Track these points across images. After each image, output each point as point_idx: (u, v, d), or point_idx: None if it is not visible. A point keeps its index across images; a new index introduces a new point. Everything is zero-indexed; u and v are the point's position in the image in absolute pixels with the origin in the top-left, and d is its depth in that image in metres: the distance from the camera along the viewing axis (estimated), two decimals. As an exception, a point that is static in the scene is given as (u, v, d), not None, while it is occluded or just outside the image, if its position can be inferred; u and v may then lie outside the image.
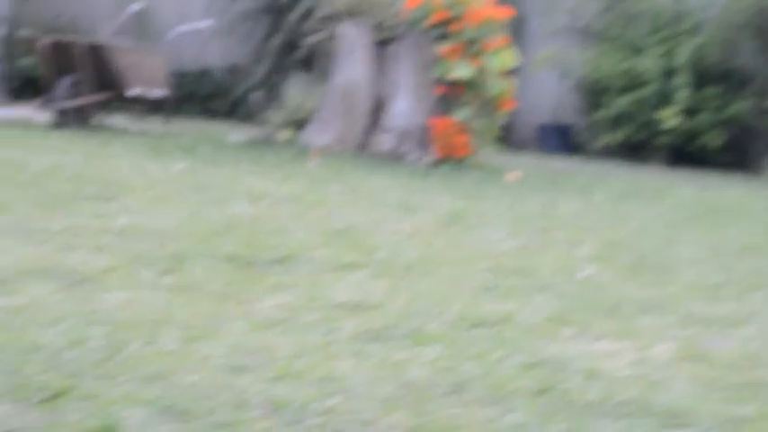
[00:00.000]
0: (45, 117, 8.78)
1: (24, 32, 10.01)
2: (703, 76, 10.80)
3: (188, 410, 2.49)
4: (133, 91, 8.78)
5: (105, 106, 9.26)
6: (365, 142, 8.38)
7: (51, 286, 3.44)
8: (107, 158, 6.76)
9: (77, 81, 8.64)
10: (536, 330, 3.43)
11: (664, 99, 10.69)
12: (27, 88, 10.40)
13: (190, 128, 9.65)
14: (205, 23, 10.15)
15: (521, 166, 8.87)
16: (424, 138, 8.25)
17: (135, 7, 9.35)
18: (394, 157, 8.23)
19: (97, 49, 8.62)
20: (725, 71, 10.87)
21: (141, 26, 11.80)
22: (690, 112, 10.66)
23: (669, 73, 10.72)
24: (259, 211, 5.27)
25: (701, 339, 3.48)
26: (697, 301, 4.01)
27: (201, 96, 11.78)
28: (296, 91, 8.79)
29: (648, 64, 10.65)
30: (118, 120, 9.35)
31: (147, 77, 8.89)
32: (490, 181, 7.56)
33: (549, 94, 11.34)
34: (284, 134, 8.48)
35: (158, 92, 8.98)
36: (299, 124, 8.61)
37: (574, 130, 11.31)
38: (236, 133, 9.05)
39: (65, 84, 8.59)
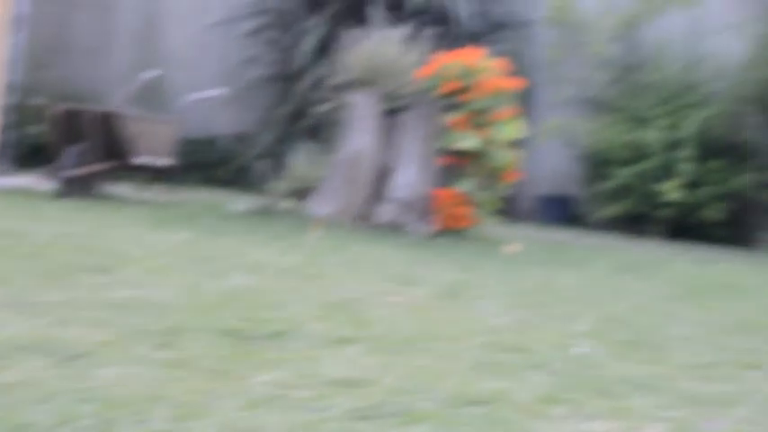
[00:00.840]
0: (49, 186, 8.82)
1: (36, 100, 10.09)
2: (708, 149, 10.83)
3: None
4: (139, 159, 8.82)
5: (111, 175, 9.30)
6: (368, 212, 8.40)
7: (45, 362, 3.45)
8: (109, 228, 6.79)
9: (85, 149, 8.69)
10: (529, 409, 3.42)
11: (667, 172, 10.71)
12: (34, 156, 10.46)
13: (194, 196, 9.68)
14: (218, 91, 10.23)
15: (521, 238, 8.89)
16: (426, 208, 8.27)
17: (147, 75, 9.44)
18: (395, 228, 8.24)
19: (108, 118, 8.68)
20: (729, 144, 10.91)
21: (153, 94, 11.90)
22: (692, 185, 10.68)
23: (674, 145, 10.75)
24: (258, 283, 5.29)
25: (694, 420, 3.47)
26: (691, 381, 4.00)
27: (207, 164, 11.82)
28: (301, 160, 8.83)
29: (653, 136, 10.69)
30: (122, 188, 9.38)
31: (155, 146, 8.93)
32: (490, 253, 7.57)
33: (551, 164, 11.38)
34: (288, 204, 8.51)
35: (164, 160, 9.02)
36: (304, 194, 8.64)
37: (575, 202, 11.33)
38: (239, 203, 9.07)
39: (72, 152, 8.64)
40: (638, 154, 10.81)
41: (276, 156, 9.81)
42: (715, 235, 10.73)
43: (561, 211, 11.08)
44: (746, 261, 9.15)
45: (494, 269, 6.71)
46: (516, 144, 8.57)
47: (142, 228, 6.99)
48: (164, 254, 5.91)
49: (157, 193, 9.18)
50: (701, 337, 4.98)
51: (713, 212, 10.63)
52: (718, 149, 10.88)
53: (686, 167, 10.60)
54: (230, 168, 11.66)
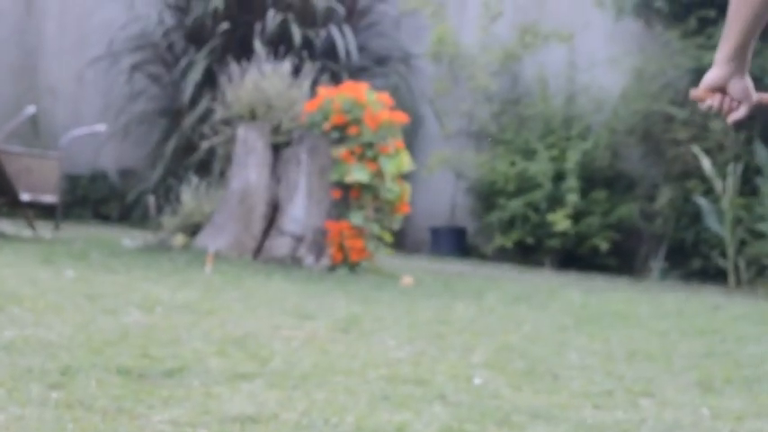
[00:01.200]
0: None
1: None
2: (592, 180, 11.02)
3: None
4: (24, 196, 8.67)
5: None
6: (262, 246, 8.37)
7: (-63, 405, 3.36)
8: (-3, 267, 6.65)
9: (-33, 187, 8.52)
10: (430, 441, 3.44)
11: (554, 202, 10.87)
12: None
13: (82, 233, 9.54)
14: (100, 127, 10.11)
15: (415, 270, 8.93)
16: (320, 241, 8.27)
17: (29, 110, 9.29)
18: (290, 262, 8.22)
19: (-12, 154, 8.52)
20: (612, 175, 11.11)
21: (35, 129, 11.72)
22: (579, 215, 10.85)
23: (559, 176, 10.91)
24: (153, 319, 5.22)
25: (593, 447, 3.51)
26: (587, 409, 4.06)
27: (95, 200, 11.68)
28: (191, 195, 8.76)
29: (539, 167, 10.84)
30: (7, 226, 9.21)
31: (38, 182, 8.79)
32: (386, 285, 7.59)
33: (442, 197, 11.47)
34: (179, 239, 8.43)
35: (49, 197, 8.88)
36: (195, 229, 8.57)
37: (468, 233, 11.44)
38: (129, 238, 8.96)
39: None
40: (525, 185, 10.95)
41: (165, 191, 9.71)
42: (603, 264, 10.91)
43: (454, 243, 11.17)
44: (635, 289, 9.31)
45: (390, 301, 6.72)
46: (405, 177, 8.63)
47: (30, 265, 6.86)
48: (54, 291, 5.80)
49: (44, 230, 9.03)
50: (595, 366, 5.04)
51: (601, 242, 10.81)
52: (602, 180, 11.08)
53: (572, 198, 10.77)
54: (119, 204, 11.53)
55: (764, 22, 2.87)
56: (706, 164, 10.31)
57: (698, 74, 10.74)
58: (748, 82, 2.85)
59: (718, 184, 10.27)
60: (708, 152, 10.47)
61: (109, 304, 5.54)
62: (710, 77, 2.96)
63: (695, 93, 2.95)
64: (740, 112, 2.91)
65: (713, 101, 3.00)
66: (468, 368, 4.73)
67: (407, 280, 7.95)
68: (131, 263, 7.44)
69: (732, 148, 10.57)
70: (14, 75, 12.02)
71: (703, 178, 10.52)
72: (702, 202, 10.45)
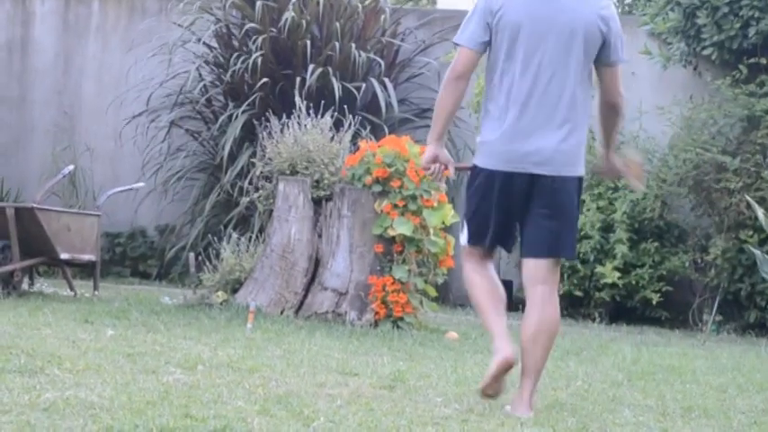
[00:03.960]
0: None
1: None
2: (641, 231, 10.84)
3: None
4: (63, 255, 8.60)
5: (35, 271, 9.07)
6: (303, 302, 8.24)
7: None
8: (36, 327, 6.54)
9: (6, 246, 8.45)
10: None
11: (603, 254, 10.70)
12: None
13: (122, 291, 9.46)
14: (139, 185, 10.06)
15: (461, 324, 8.78)
16: (362, 297, 8.13)
17: (67, 169, 9.23)
18: (333, 318, 8.09)
19: (27, 213, 8.45)
20: (663, 226, 10.94)
21: (73, 188, 11.70)
22: (628, 267, 10.67)
23: (608, 227, 10.75)
24: (194, 378, 5.10)
25: None
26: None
27: (134, 258, 11.61)
28: (231, 251, 8.66)
29: (588, 218, 10.69)
30: (47, 285, 9.15)
31: (77, 241, 8.72)
32: (431, 341, 7.44)
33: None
34: (219, 296, 8.32)
35: (89, 256, 8.81)
36: (235, 285, 8.45)
37: (514, 286, 11.27)
38: (169, 296, 8.87)
39: (-6, 250, 8.41)
40: (575, 236, 10.77)
41: (205, 247, 9.61)
42: (655, 317, 10.70)
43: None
44: (689, 343, 9.12)
45: (435, 357, 6.58)
46: (449, 229, 8.49)
47: (70, 325, 6.76)
48: (94, 352, 5.69)
49: (83, 289, 8.95)
50: (650, 423, 4.88)
51: (651, 294, 10.63)
52: (652, 231, 10.90)
53: (621, 249, 10.60)
54: (158, 261, 11.45)
55: (453, 116, 4.98)
56: (760, 213, 10.09)
57: (749, 121, 10.59)
58: (446, 152, 5.04)
59: (773, 235, 10.08)
60: (762, 202, 10.26)
61: (149, 363, 5.42)
62: (430, 153, 5.03)
63: (423, 164, 5.03)
64: (450, 170, 5.02)
65: (434, 167, 5.02)
66: (517, 426, 4.58)
67: (452, 335, 7.79)
68: (171, 321, 7.33)
69: (787, 198, 10.38)
70: (53, 135, 12.03)
71: (757, 228, 10.31)
72: (757, 252, 10.23)
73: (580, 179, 4.96)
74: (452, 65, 4.96)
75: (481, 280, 5.04)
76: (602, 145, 5.21)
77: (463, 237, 5.10)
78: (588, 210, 10.72)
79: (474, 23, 4.92)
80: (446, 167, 5.05)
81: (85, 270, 9.27)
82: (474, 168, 5.00)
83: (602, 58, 4.94)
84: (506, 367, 4.84)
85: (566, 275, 10.75)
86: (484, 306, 5.00)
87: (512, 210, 4.93)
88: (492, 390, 4.90)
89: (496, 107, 4.91)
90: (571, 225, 4.99)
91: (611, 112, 5.07)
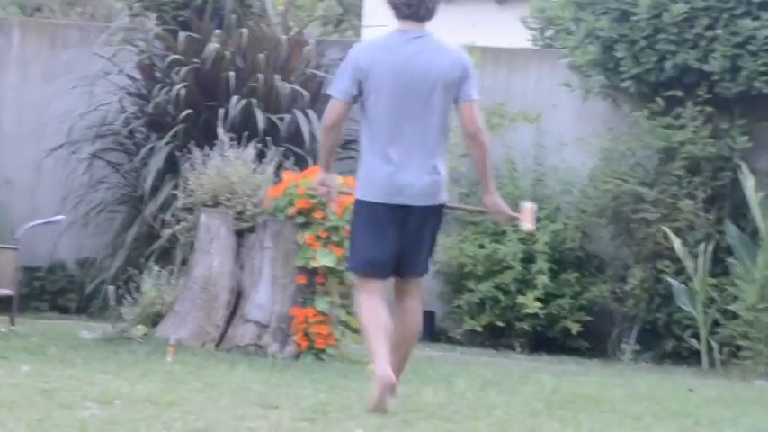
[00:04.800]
0: None
1: None
2: (562, 262, 10.93)
3: None
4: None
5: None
6: (225, 335, 8.19)
7: None
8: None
9: None
10: None
11: (525, 284, 10.77)
12: None
13: (40, 326, 9.30)
14: (59, 217, 9.95)
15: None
16: (284, 328, 8.11)
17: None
18: (255, 350, 8.05)
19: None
20: (583, 256, 11.04)
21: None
22: (550, 297, 10.75)
23: (529, 258, 10.82)
24: (112, 413, 5.03)
25: None
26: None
27: (53, 292, 11.46)
28: (152, 284, 8.59)
29: (509, 249, 10.76)
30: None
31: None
32: (353, 372, 7.42)
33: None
34: (140, 330, 8.24)
35: (6, 290, 8.70)
36: (156, 319, 8.38)
37: (437, 317, 11.29)
38: (88, 330, 8.76)
39: None
40: (495, 267, 10.84)
41: (126, 280, 9.51)
42: (575, 347, 10.79)
43: (423, 327, 10.94)
44: (607, 372, 9.20)
45: (357, 389, 6.56)
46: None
47: (-16, 361, 6.65)
48: (8, 387, 5.59)
49: (0, 324, 8.81)
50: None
51: (572, 324, 10.71)
52: (572, 261, 11.00)
53: (542, 280, 10.68)
54: (78, 295, 11.31)
55: (335, 151, 5.77)
56: (677, 244, 10.24)
57: (666, 153, 10.74)
58: (333, 178, 5.88)
59: (689, 265, 10.20)
60: (678, 232, 10.41)
61: (65, 399, 5.35)
62: (318, 178, 5.90)
63: (311, 186, 6.18)
64: (326, 191, 5.87)
65: (322, 191, 5.93)
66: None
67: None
68: (90, 355, 7.25)
69: (702, 228, 10.53)
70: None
71: (674, 259, 10.45)
72: (674, 282, 10.38)
73: (442, 206, 5.77)
74: (325, 114, 5.77)
75: (366, 308, 5.67)
76: (480, 185, 5.97)
77: (350, 265, 5.85)
78: (510, 240, 10.81)
79: (345, 78, 5.69)
80: (329, 192, 5.92)
81: (2, 305, 9.13)
82: (355, 200, 5.75)
83: (457, 97, 5.71)
84: (388, 388, 5.47)
85: (487, 306, 10.81)
86: (369, 332, 5.63)
87: (388, 237, 5.65)
88: (381, 408, 5.46)
89: (371, 147, 5.67)
90: (433, 246, 5.82)
91: (472, 144, 5.76)
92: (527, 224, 5.92)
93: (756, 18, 10.35)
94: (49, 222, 9.84)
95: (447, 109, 5.70)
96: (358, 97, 5.68)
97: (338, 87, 5.71)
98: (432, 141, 5.67)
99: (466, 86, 5.69)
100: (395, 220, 5.63)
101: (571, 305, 10.78)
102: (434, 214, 5.74)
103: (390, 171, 5.61)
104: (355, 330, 8.36)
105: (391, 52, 5.63)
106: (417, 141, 5.63)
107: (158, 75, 11.20)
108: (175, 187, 9.76)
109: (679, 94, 10.70)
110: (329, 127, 5.73)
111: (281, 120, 10.83)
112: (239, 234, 8.38)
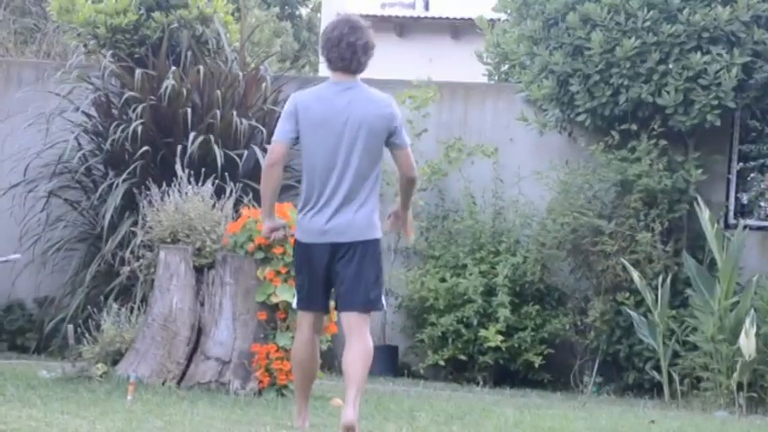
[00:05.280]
0: None
1: None
2: (523, 295, 10.95)
3: None
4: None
5: None
6: (186, 372, 8.13)
7: None
8: None
9: None
10: None
11: (486, 317, 10.77)
12: None
13: (-3, 365, 9.22)
14: (15, 256, 9.86)
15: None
16: (246, 365, 8.05)
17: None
18: (216, 387, 7.99)
19: None
20: (543, 289, 11.06)
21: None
22: (511, 330, 10.75)
23: (490, 291, 10.83)
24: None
25: None
26: None
27: (11, 332, 11.35)
28: (112, 322, 8.52)
29: (470, 283, 10.77)
30: None
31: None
32: (315, 408, 7.36)
33: (373, 315, 11.23)
34: (99, 368, 8.16)
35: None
36: (116, 357, 8.31)
37: (399, 351, 11.26)
38: (47, 370, 8.67)
39: None
40: (456, 301, 10.84)
41: (85, 319, 9.43)
42: (537, 379, 10.79)
43: (386, 362, 10.94)
44: (570, 405, 9.20)
45: (320, 425, 6.53)
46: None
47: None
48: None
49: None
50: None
51: (534, 357, 10.71)
52: (533, 294, 11.02)
53: (503, 313, 10.69)
54: (36, 334, 11.20)
55: (277, 194, 6.09)
56: (635, 276, 10.29)
57: (623, 186, 10.81)
58: (277, 219, 6.33)
59: (648, 297, 10.24)
60: (637, 264, 10.46)
61: (24, 439, 5.28)
62: (266, 227, 6.30)
63: (264, 235, 6.45)
64: (280, 233, 6.34)
65: (274, 235, 6.35)
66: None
67: (338, 402, 7.72)
68: (49, 395, 7.17)
69: (661, 261, 10.58)
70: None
71: (634, 291, 10.49)
72: (634, 314, 10.42)
73: (377, 240, 6.08)
74: (267, 155, 6.15)
75: (296, 352, 6.21)
76: (399, 206, 6.31)
77: (294, 301, 6.22)
78: (471, 274, 10.82)
79: (285, 122, 6.11)
80: (282, 234, 6.42)
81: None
82: (295, 241, 6.15)
83: (390, 143, 6.11)
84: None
85: (450, 340, 10.80)
86: (295, 380, 6.33)
87: (325, 274, 6.04)
88: None
89: (306, 189, 6.08)
90: (375, 281, 6.13)
91: (407, 185, 6.21)
92: (412, 237, 6.51)
93: (707, 53, 10.46)
94: (6, 261, 9.75)
95: (377, 155, 6.08)
96: (297, 140, 6.10)
97: (279, 130, 6.12)
98: (360, 185, 6.02)
99: (399, 134, 6.11)
100: (328, 257, 6.01)
101: (533, 338, 10.79)
102: (366, 249, 6.03)
103: (320, 212, 6.00)
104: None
105: (324, 102, 6.06)
106: (347, 186, 6.00)
107: (115, 112, 11.16)
108: (134, 224, 9.71)
109: (633, 127, 10.79)
110: (269, 165, 6.08)
111: (240, 156, 10.81)
112: (199, 270, 8.34)
